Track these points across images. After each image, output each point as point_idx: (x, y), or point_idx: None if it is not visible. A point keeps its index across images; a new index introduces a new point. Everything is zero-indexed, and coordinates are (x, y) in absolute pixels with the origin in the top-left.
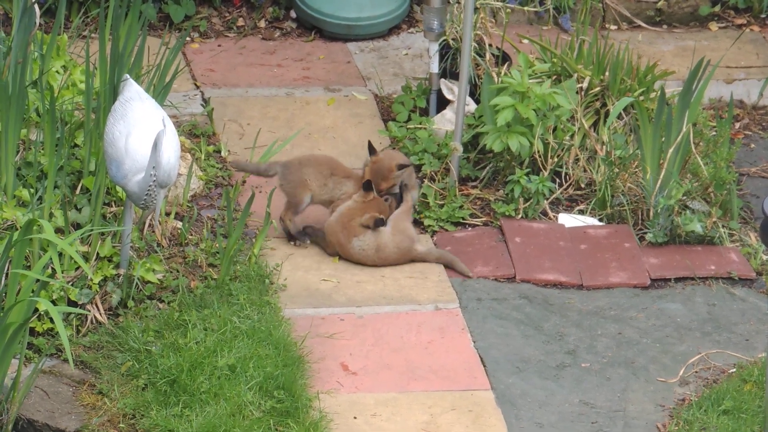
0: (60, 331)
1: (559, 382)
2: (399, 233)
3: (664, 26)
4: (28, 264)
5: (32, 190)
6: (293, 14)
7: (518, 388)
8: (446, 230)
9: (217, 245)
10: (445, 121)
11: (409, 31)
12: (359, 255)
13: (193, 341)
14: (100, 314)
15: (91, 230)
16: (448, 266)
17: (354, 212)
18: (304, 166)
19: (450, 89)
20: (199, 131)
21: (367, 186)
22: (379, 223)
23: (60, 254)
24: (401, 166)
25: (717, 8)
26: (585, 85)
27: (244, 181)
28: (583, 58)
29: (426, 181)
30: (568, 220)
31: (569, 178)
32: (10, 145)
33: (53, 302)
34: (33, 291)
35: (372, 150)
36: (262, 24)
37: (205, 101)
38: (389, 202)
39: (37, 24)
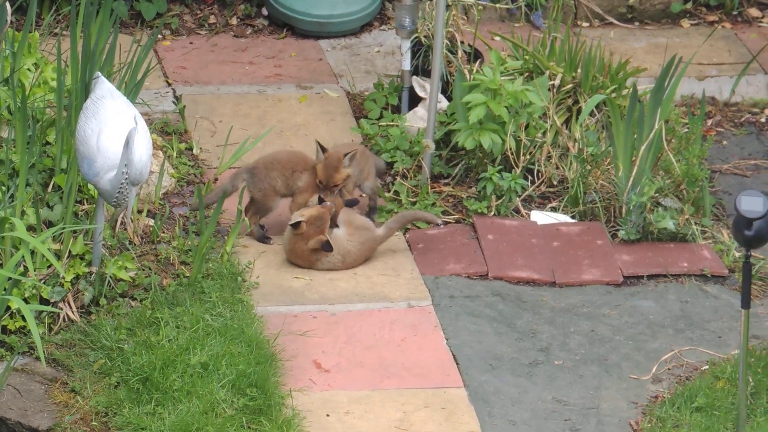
0: (32, 329)
1: (532, 380)
2: (356, 230)
3: (636, 23)
4: (0, 262)
5: (4, 188)
6: (265, 12)
7: (491, 386)
8: (418, 227)
9: (189, 243)
10: (417, 119)
11: (381, 28)
12: (331, 268)
13: (165, 339)
14: (73, 312)
15: (63, 228)
16: (417, 222)
17: (298, 240)
18: (270, 171)
19: (422, 86)
20: (171, 129)
21: (320, 200)
22: (327, 247)
23: (32, 252)
24: (348, 155)
25: (689, 5)
26: (557, 82)
27: (216, 179)
28: (555, 55)
29: (398, 178)
30: (540, 217)
31: (541, 176)
32: None
33: (25, 300)
34: (5, 289)
35: (322, 149)
36: (234, 21)
37: (177, 99)
38: (332, 201)
39: (9, 21)
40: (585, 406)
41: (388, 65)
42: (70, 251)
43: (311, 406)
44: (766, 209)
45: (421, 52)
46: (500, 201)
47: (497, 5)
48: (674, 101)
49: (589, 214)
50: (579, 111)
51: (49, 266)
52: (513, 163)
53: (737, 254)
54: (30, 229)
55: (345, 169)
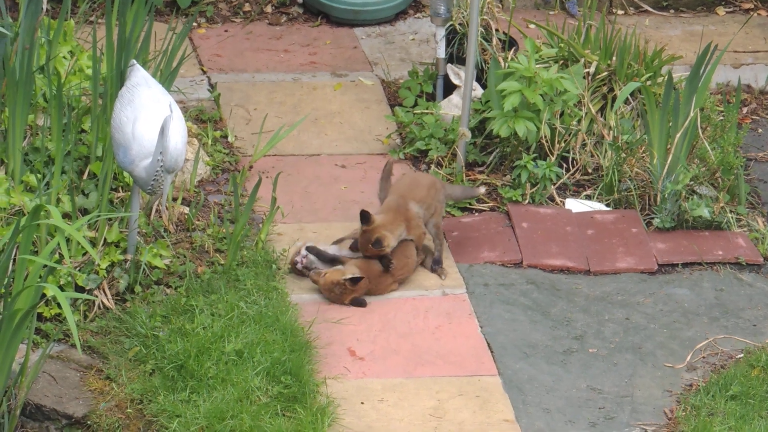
0: (67, 316)
1: (566, 368)
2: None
3: (672, 11)
4: (36, 250)
5: (39, 176)
6: None
7: (525, 374)
8: (453, 215)
9: (224, 230)
10: (451, 107)
11: (416, 16)
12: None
13: (200, 326)
14: (108, 300)
15: (99, 216)
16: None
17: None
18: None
19: (457, 74)
20: (205, 116)
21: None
22: (355, 280)
23: (67, 240)
24: (377, 245)
25: None
26: (592, 70)
27: (251, 167)
28: (590, 43)
29: (433, 165)
30: (575, 205)
31: (576, 163)
32: (18, 130)
33: (61, 288)
34: (40, 276)
35: (364, 219)
36: (269, 9)
37: (212, 86)
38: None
39: (44, 10)
40: (619, 395)
41: (422, 53)
42: (105, 239)
43: (345, 394)
44: None
45: (455, 39)
46: (535, 189)
47: None
48: (709, 89)
49: (624, 202)
50: (614, 99)
51: (84, 254)
52: (548, 151)
53: None
54: (65, 216)
55: (378, 249)
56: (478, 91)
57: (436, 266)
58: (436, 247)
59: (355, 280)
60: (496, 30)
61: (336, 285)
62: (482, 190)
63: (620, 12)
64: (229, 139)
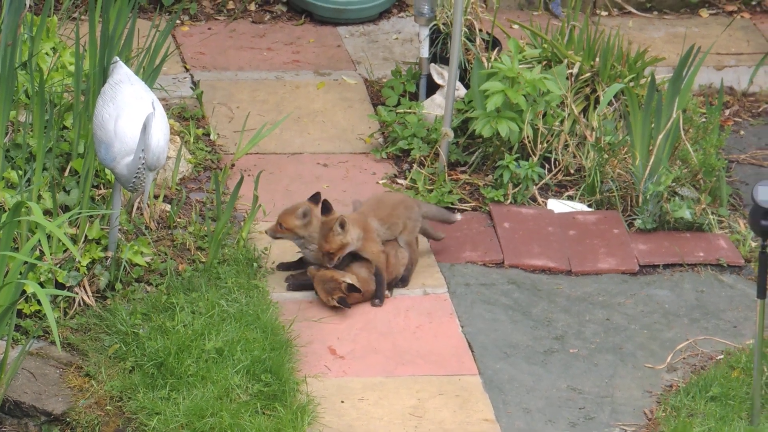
0: (47, 313)
1: (546, 368)
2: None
3: (655, 12)
4: (16, 246)
5: (21, 172)
6: None
7: (506, 374)
8: None
9: (205, 228)
10: (434, 106)
11: (400, 15)
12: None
13: (180, 324)
14: (88, 297)
15: (80, 213)
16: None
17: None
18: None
19: (440, 74)
20: (188, 114)
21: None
22: (352, 288)
23: (48, 236)
24: (302, 209)
25: None
26: (575, 71)
27: (233, 165)
28: (573, 44)
29: (415, 165)
30: (557, 205)
31: (558, 164)
32: None
33: (41, 284)
34: (21, 273)
35: (324, 208)
36: (252, 7)
37: (195, 84)
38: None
39: (27, 6)
40: (599, 395)
41: (406, 52)
42: (86, 236)
43: (326, 393)
44: None
45: (439, 39)
46: (517, 189)
47: None
48: (692, 91)
49: (606, 203)
50: (597, 100)
51: (65, 251)
52: (530, 152)
53: (753, 244)
54: (46, 213)
55: (338, 236)
56: (461, 91)
57: (401, 283)
58: (406, 265)
59: (352, 288)
60: (480, 30)
61: (331, 280)
62: (458, 217)
63: (604, 13)
64: (212, 137)
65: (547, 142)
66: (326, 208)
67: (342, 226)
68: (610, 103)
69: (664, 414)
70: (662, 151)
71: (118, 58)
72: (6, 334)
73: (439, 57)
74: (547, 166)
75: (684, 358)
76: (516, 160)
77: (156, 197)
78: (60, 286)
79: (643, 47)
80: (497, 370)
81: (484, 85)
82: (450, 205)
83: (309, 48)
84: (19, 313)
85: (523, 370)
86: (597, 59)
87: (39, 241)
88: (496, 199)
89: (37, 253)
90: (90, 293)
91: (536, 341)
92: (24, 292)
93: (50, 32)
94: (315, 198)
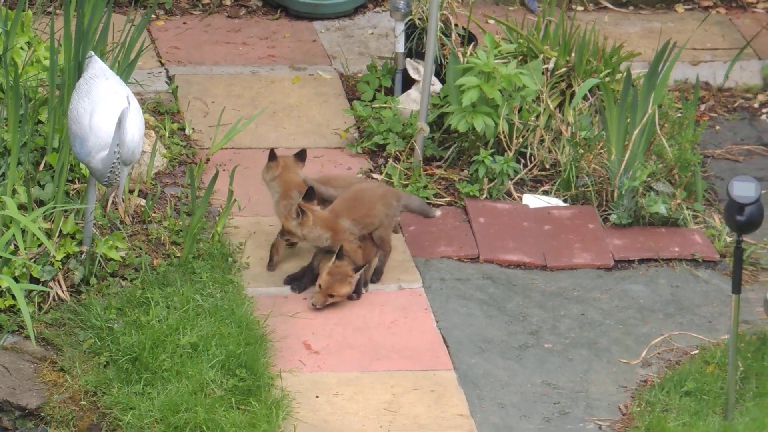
0: (22, 307)
1: (521, 363)
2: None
3: (631, 7)
4: None
5: None
6: None
7: (481, 369)
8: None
9: (180, 223)
10: (410, 101)
11: (375, 10)
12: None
13: (155, 319)
14: (63, 291)
15: (54, 207)
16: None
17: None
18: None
19: (416, 69)
20: (163, 109)
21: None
22: (358, 269)
23: (23, 231)
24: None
25: None
26: (551, 65)
27: (208, 159)
28: (549, 39)
29: (390, 160)
30: (532, 200)
31: (534, 159)
32: None
33: (15, 279)
34: None
35: (271, 156)
36: (228, 2)
37: (170, 79)
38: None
39: (2, 0)
40: (574, 390)
41: (381, 47)
42: (60, 230)
43: (300, 388)
44: (758, 194)
45: (415, 34)
46: (492, 184)
47: None
48: (668, 86)
49: (581, 198)
50: (572, 95)
51: (39, 245)
52: (505, 147)
53: (728, 239)
54: (21, 207)
55: (292, 220)
56: (437, 86)
57: (375, 278)
58: (380, 258)
59: (358, 269)
60: (456, 25)
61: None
62: (438, 213)
63: (579, 8)
64: (187, 131)
65: (523, 137)
66: (309, 195)
67: (298, 214)
68: (585, 98)
69: (638, 409)
70: (638, 146)
71: (93, 53)
72: None
73: (415, 52)
74: (522, 161)
75: (659, 353)
76: (491, 155)
77: (131, 192)
78: (34, 280)
79: (618, 42)
80: (472, 365)
81: (460, 80)
82: (426, 200)
83: (284, 43)
84: None
85: (498, 365)
86: (573, 54)
87: (13, 235)
88: (471, 194)
89: (12, 247)
90: (65, 288)
91: (511, 336)
92: None
93: (25, 26)
94: (309, 194)
